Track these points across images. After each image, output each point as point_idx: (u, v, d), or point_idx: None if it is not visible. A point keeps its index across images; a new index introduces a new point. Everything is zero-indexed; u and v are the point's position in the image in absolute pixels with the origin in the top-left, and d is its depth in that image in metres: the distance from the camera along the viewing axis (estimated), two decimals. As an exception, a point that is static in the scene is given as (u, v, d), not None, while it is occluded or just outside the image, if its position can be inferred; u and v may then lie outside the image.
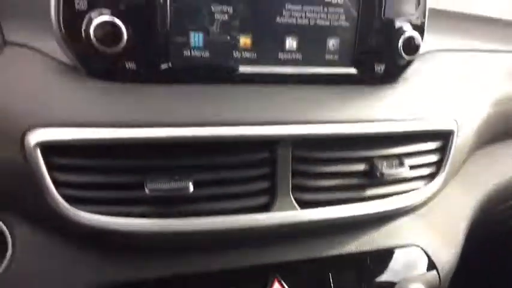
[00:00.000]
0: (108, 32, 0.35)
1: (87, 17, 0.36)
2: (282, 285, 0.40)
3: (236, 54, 0.41)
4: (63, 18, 0.36)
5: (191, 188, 0.35)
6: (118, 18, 0.35)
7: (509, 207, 0.64)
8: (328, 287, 0.42)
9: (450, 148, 0.46)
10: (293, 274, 0.41)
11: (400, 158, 0.43)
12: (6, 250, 0.37)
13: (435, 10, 0.55)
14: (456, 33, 0.60)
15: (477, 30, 0.62)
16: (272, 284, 0.40)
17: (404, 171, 0.42)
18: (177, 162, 0.36)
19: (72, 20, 0.36)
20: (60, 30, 0.36)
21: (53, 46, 0.39)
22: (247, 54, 0.41)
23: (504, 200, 0.60)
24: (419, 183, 0.45)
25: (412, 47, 0.43)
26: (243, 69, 0.41)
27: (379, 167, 0.41)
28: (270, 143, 0.38)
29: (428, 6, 0.45)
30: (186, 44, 0.39)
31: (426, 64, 0.50)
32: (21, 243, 0.37)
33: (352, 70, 0.44)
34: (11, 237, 0.37)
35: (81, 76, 0.38)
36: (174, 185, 0.35)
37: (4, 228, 0.37)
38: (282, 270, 0.40)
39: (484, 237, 0.62)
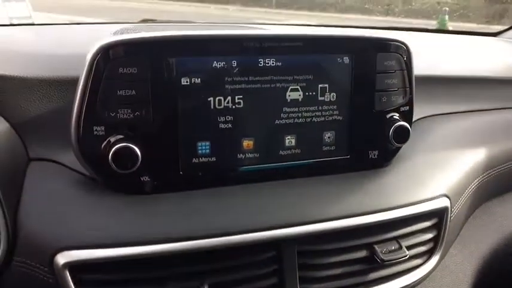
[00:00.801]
0: (125, 156, 0.39)
1: (105, 142, 0.40)
2: None
3: (240, 156, 0.45)
4: (82, 140, 0.40)
5: (205, 291, 0.38)
6: (133, 142, 0.39)
7: None
8: None
9: (445, 223, 0.49)
10: None
11: (397, 240, 0.46)
12: None
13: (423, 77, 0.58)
14: (444, 97, 0.64)
15: (464, 92, 0.66)
16: None
17: (403, 253, 0.45)
18: (192, 269, 0.39)
19: (91, 142, 0.40)
20: (80, 149, 0.40)
21: (73, 159, 0.44)
22: (250, 155, 0.45)
23: (505, 256, 0.62)
24: (419, 261, 0.48)
25: (402, 135, 0.47)
26: (247, 168, 0.45)
27: (379, 253, 0.44)
28: (275, 243, 0.41)
29: (414, 95, 0.49)
30: (194, 153, 0.43)
31: (416, 136, 0.54)
32: None
33: (348, 157, 0.48)
34: None
35: (99, 187, 0.42)
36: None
37: None
38: None
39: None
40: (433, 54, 0.72)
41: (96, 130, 0.40)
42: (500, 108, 0.68)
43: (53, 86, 0.45)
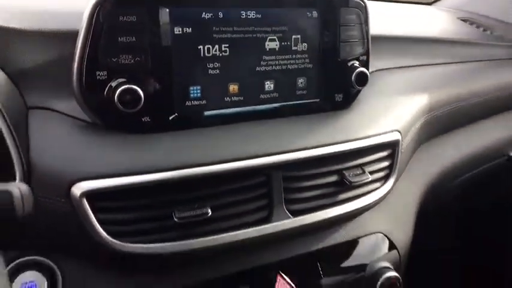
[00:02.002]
0: (130, 97, 0.43)
1: (108, 85, 0.44)
2: (283, 278, 0.51)
3: (227, 99, 0.51)
4: (85, 86, 0.43)
5: (210, 212, 0.44)
6: (135, 84, 0.43)
7: (448, 190, 0.79)
8: (318, 273, 0.53)
9: (398, 153, 0.58)
10: (291, 268, 0.52)
11: (361, 167, 0.55)
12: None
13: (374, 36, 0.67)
14: (392, 54, 0.74)
15: (408, 50, 0.76)
16: (276, 279, 0.50)
17: (366, 177, 0.54)
18: (195, 194, 0.45)
19: (93, 87, 0.44)
20: (83, 95, 0.44)
21: (71, 106, 0.47)
22: (235, 98, 0.51)
23: (443, 185, 0.74)
24: (378, 184, 0.57)
25: (362, 80, 0.55)
26: (233, 110, 0.51)
27: (347, 176, 0.53)
28: (265, 169, 0.48)
29: (370, 46, 0.57)
30: (187, 97, 0.48)
31: (371, 84, 0.63)
32: (69, 278, 0.44)
33: (318, 101, 0.56)
34: (61, 274, 0.44)
35: (101, 130, 0.46)
36: (197, 211, 0.44)
37: (55, 267, 0.44)
38: (282, 265, 0.51)
39: (430, 218, 0.77)
40: (376, 19, 0.82)
41: (99, 75, 0.44)
42: (439, 64, 0.80)
43: (50, 38, 0.47)
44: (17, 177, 0.41)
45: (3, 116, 0.40)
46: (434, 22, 0.92)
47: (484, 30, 1.00)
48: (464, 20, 1.03)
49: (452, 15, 1.02)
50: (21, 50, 0.46)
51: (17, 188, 0.31)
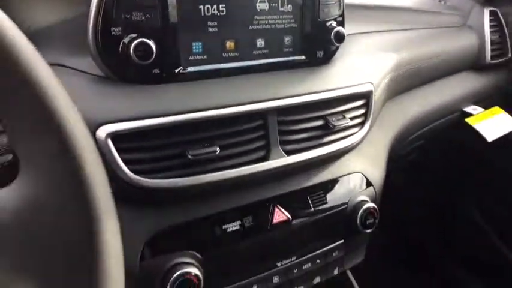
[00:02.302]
0: (143, 50, 0.48)
1: (122, 40, 0.49)
2: (280, 210, 0.59)
3: (224, 54, 0.57)
4: (101, 42, 0.48)
5: (218, 150, 0.51)
6: (147, 39, 0.49)
7: (411, 140, 0.90)
8: (309, 206, 0.61)
9: (371, 102, 0.67)
10: (286, 201, 0.60)
11: (342, 113, 0.63)
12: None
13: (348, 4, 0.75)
14: (363, 20, 0.83)
15: (376, 17, 0.85)
16: (274, 210, 0.58)
17: (346, 122, 0.62)
18: (203, 135, 0.52)
19: (108, 43, 0.49)
20: (98, 51, 0.49)
21: (84, 63, 0.52)
22: (232, 54, 0.57)
23: (408, 133, 0.85)
24: (355, 129, 0.65)
25: (339, 37, 0.63)
26: (230, 65, 0.57)
27: (331, 121, 0.61)
28: (262, 114, 0.55)
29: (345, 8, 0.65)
30: (190, 51, 0.54)
31: (347, 45, 0.71)
32: None
33: (302, 57, 0.63)
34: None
35: (115, 83, 0.51)
36: (207, 150, 0.51)
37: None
38: (279, 199, 0.59)
39: (399, 160, 0.87)
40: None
41: (113, 31, 0.49)
42: (402, 30, 0.89)
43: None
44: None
45: None
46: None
47: (439, 0, 1.11)
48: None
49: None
50: (36, 10, 0.50)
51: None
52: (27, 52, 0.24)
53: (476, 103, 1.03)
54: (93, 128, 0.47)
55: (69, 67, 0.52)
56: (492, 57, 1.04)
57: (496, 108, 1.03)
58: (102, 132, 0.47)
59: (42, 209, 0.23)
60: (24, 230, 0.22)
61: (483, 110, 1.01)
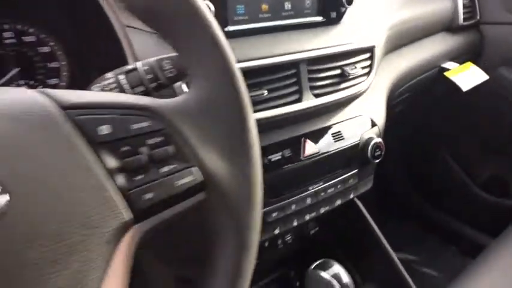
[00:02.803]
0: None
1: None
2: (310, 144, 0.72)
3: (261, 15, 0.68)
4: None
5: (266, 93, 0.63)
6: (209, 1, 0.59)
7: (400, 92, 1.05)
8: (331, 142, 0.75)
9: (375, 55, 0.80)
10: (314, 137, 0.73)
11: (354, 64, 0.76)
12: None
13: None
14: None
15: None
16: (305, 144, 0.71)
17: (357, 71, 0.75)
18: (253, 81, 0.63)
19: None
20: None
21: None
22: (266, 15, 0.69)
23: (398, 86, 1.00)
24: (364, 78, 0.79)
25: (349, 0, 0.75)
26: (265, 24, 0.69)
27: (346, 70, 0.74)
28: (295, 64, 0.67)
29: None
30: (235, 13, 0.65)
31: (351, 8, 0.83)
32: None
33: (320, 18, 0.75)
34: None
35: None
36: (257, 92, 0.62)
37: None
38: (308, 135, 0.72)
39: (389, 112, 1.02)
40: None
41: None
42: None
43: None
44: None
45: None
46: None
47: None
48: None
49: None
50: None
51: None
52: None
53: (452, 59, 1.19)
54: None
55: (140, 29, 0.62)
56: (464, 20, 1.19)
57: (469, 63, 1.19)
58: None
59: (212, 101, 0.34)
60: (204, 115, 0.34)
61: (458, 65, 1.17)
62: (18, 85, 0.63)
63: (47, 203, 0.26)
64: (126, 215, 0.29)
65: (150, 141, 0.31)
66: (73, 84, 0.67)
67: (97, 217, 0.28)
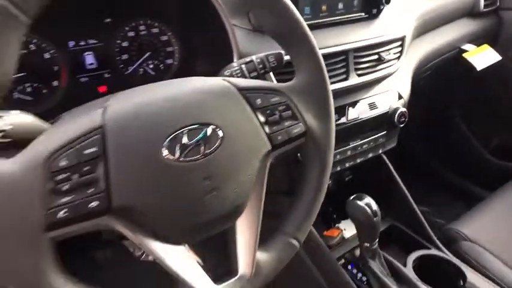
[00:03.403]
0: None
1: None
2: (352, 110, 0.97)
3: (321, 14, 0.92)
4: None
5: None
6: None
7: (424, 70, 1.27)
8: (367, 109, 0.99)
9: (404, 44, 1.03)
10: (355, 106, 0.98)
11: (388, 50, 0.99)
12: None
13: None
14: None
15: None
16: (348, 111, 0.96)
17: (391, 56, 0.99)
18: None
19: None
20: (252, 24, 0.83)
21: (244, 22, 0.86)
22: (324, 13, 0.92)
23: (422, 66, 1.22)
24: (395, 61, 1.02)
25: (387, 0, 0.98)
26: (324, 20, 0.92)
27: (383, 55, 0.97)
28: (345, 52, 0.91)
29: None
30: (303, 12, 0.89)
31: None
32: None
33: (363, 14, 0.98)
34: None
35: (262, 35, 0.86)
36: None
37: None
38: (351, 104, 0.97)
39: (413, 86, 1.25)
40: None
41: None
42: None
43: None
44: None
45: None
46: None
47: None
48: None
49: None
50: None
51: None
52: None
53: (471, 42, 1.39)
54: None
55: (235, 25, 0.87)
56: (484, 6, 1.38)
57: (485, 46, 1.39)
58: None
59: (309, 83, 0.59)
60: (305, 92, 0.59)
61: (475, 47, 1.37)
62: (148, 65, 0.89)
63: (237, 138, 0.52)
64: (268, 146, 0.56)
65: (280, 108, 0.57)
66: (183, 64, 0.93)
67: (255, 146, 0.54)
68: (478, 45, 1.38)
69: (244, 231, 0.55)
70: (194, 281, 0.51)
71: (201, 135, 0.49)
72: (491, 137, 1.67)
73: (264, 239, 0.58)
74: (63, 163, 0.43)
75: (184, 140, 0.48)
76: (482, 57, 1.34)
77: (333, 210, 1.16)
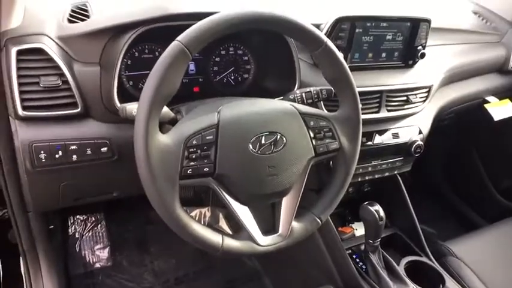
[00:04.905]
0: None
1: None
2: (378, 136, 1.23)
3: (367, 59, 1.19)
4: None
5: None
6: None
7: (447, 113, 1.51)
8: (390, 138, 1.25)
9: (431, 90, 1.28)
10: (380, 134, 1.24)
11: (416, 95, 1.25)
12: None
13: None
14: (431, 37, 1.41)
15: (440, 34, 1.42)
16: (375, 136, 1.23)
17: (418, 99, 1.24)
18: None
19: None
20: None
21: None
22: (370, 59, 1.19)
23: (446, 109, 1.47)
24: (420, 103, 1.27)
25: (422, 55, 1.23)
26: (369, 64, 1.19)
27: (411, 98, 1.23)
28: (380, 92, 1.18)
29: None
30: (353, 57, 1.16)
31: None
32: None
33: (401, 63, 1.24)
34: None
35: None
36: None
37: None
38: (378, 131, 1.23)
39: (436, 124, 1.49)
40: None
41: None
42: (453, 44, 1.46)
43: None
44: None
45: None
46: (456, 15, 1.58)
47: (486, 21, 1.66)
48: (475, 13, 1.67)
49: (468, 9, 1.67)
50: None
51: None
52: None
53: (494, 95, 1.61)
54: None
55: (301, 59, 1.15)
56: (512, 66, 1.60)
57: (507, 100, 1.61)
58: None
59: (347, 114, 0.87)
60: (343, 121, 0.87)
61: (497, 100, 1.59)
62: (230, 77, 1.19)
63: (295, 144, 0.81)
64: (313, 153, 0.84)
65: (324, 129, 0.85)
66: (256, 79, 1.22)
67: (305, 152, 0.83)
68: (501, 98, 1.60)
69: (287, 205, 0.84)
70: (251, 229, 0.80)
71: (272, 139, 0.78)
72: (503, 178, 1.88)
73: (297, 214, 0.87)
74: (194, 142, 0.73)
75: (263, 140, 0.77)
76: (501, 109, 1.56)
77: (349, 213, 1.44)
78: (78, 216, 1.59)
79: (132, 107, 0.77)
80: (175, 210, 0.73)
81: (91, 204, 1.22)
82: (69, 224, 1.58)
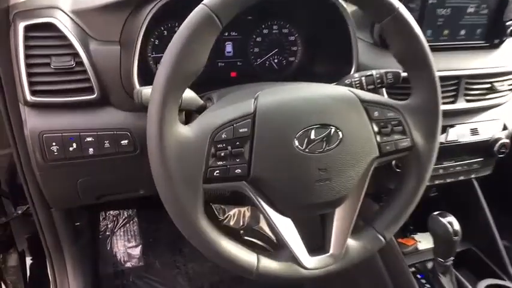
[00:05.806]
0: None
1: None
2: (450, 131, 1.01)
3: (441, 37, 0.97)
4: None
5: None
6: None
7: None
8: (469, 134, 1.03)
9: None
10: (456, 128, 1.02)
11: (503, 81, 1.01)
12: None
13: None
14: None
15: None
16: (448, 131, 1.01)
17: (505, 87, 1.00)
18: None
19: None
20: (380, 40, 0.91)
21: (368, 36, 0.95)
22: (445, 38, 0.97)
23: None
24: (507, 92, 1.03)
25: (510, 32, 0.99)
26: (444, 44, 0.97)
27: (495, 85, 0.99)
28: (458, 77, 0.96)
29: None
30: (426, 35, 0.95)
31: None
32: None
33: (485, 43, 1.01)
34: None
35: (381, 49, 0.94)
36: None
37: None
38: (452, 126, 1.01)
39: None
40: None
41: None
42: None
43: None
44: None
45: None
46: None
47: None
48: None
49: None
50: None
51: None
52: None
53: None
54: None
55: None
56: None
57: None
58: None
59: (422, 104, 0.67)
60: (415, 111, 0.67)
61: None
62: (274, 60, 1.02)
63: (353, 141, 0.63)
64: (377, 153, 0.65)
65: (393, 122, 0.66)
66: (303, 62, 1.04)
67: (366, 151, 0.64)
68: None
69: (342, 218, 0.66)
70: (295, 248, 0.63)
71: (325, 134, 0.60)
72: None
73: (354, 229, 0.68)
74: (223, 136, 0.57)
75: (312, 135, 0.60)
76: None
77: (411, 221, 1.22)
78: (109, 212, 1.50)
79: (148, 91, 0.62)
80: (198, 223, 0.58)
81: (122, 199, 1.10)
82: (100, 219, 1.49)
